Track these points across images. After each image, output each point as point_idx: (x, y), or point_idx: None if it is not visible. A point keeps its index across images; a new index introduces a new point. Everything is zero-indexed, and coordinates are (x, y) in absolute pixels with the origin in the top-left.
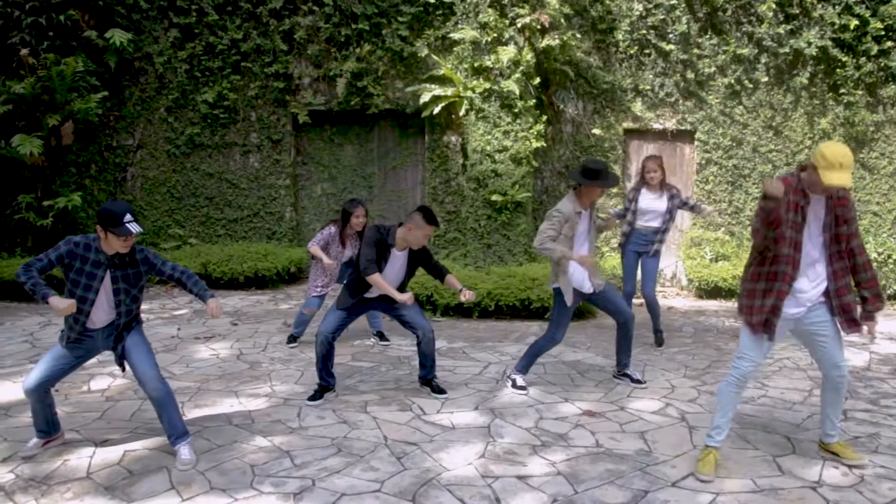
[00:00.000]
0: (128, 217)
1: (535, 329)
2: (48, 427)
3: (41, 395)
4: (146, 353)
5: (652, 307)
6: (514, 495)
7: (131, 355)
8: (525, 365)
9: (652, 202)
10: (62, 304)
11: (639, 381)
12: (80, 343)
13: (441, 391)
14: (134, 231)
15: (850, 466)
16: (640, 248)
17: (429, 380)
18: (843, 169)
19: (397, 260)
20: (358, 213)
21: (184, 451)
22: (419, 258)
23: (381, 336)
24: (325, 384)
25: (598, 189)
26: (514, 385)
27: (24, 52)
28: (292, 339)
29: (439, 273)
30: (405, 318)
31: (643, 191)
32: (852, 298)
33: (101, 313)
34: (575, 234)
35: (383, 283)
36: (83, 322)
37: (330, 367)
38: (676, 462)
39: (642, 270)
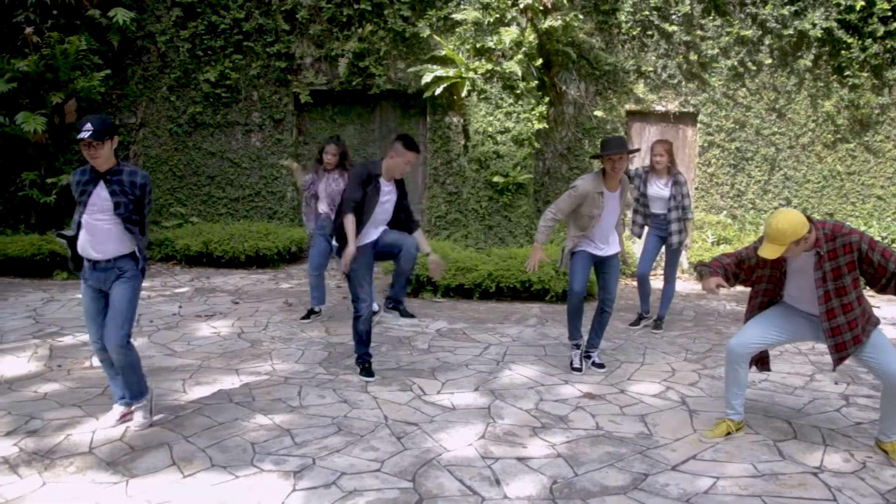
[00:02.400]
0: (86, 126)
1: (535, 311)
2: (139, 388)
3: (103, 354)
4: (122, 305)
5: (642, 287)
6: (513, 476)
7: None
8: (571, 329)
9: (657, 189)
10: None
11: (600, 366)
12: (87, 278)
13: (409, 315)
14: (83, 136)
15: None
16: (661, 232)
17: (398, 301)
18: (769, 240)
19: (387, 190)
20: (328, 151)
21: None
22: (400, 192)
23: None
24: (367, 359)
25: (616, 157)
26: (573, 367)
27: (28, 30)
28: (309, 313)
29: (409, 222)
30: (388, 241)
31: (651, 176)
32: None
33: (101, 241)
34: (601, 215)
35: (351, 227)
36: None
37: (368, 341)
38: (677, 445)
39: (665, 257)
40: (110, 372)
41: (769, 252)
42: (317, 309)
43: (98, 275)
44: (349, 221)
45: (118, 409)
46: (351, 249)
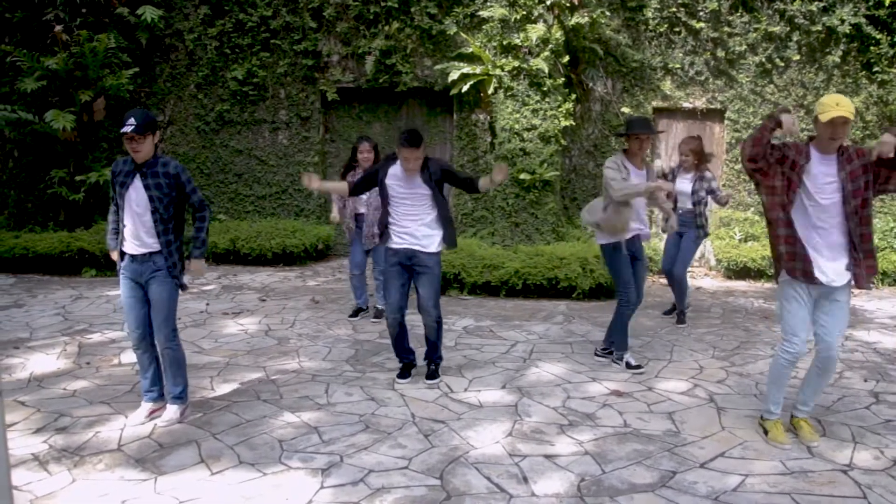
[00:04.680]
0: (130, 120)
1: (562, 308)
2: (182, 387)
3: (137, 346)
4: (161, 305)
5: (679, 286)
6: (541, 474)
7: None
8: (620, 342)
9: (682, 184)
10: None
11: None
12: (125, 270)
13: (432, 377)
14: (126, 130)
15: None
16: (681, 228)
17: (429, 360)
18: (839, 106)
19: (412, 183)
20: (362, 149)
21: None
22: (443, 179)
23: (376, 313)
24: (406, 360)
25: (643, 138)
26: (629, 366)
27: (57, 28)
28: (355, 312)
29: (472, 184)
30: (417, 290)
31: (679, 172)
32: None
33: (137, 234)
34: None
35: (331, 184)
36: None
37: (404, 344)
38: (705, 443)
39: (680, 249)
40: (143, 365)
41: (844, 111)
42: (364, 307)
43: (135, 267)
44: (335, 184)
45: (146, 406)
46: (314, 185)
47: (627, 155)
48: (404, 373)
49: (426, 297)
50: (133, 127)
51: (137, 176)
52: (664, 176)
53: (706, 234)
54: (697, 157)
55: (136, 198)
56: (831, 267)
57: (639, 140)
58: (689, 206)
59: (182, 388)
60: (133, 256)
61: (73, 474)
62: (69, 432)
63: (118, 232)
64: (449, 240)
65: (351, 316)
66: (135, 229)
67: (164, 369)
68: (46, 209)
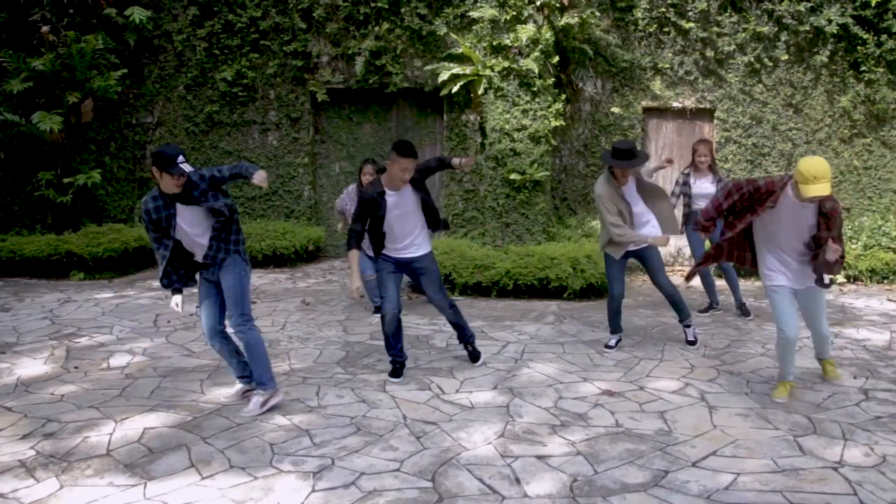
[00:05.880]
0: (180, 158)
1: (553, 308)
2: (260, 372)
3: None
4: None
5: (705, 279)
6: (533, 475)
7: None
8: (612, 326)
9: (703, 186)
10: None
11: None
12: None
13: (474, 357)
14: (186, 171)
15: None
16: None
17: (464, 343)
18: (817, 181)
19: (402, 200)
20: (365, 172)
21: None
22: (423, 177)
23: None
24: (399, 360)
25: (628, 169)
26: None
27: (44, 29)
28: (376, 309)
29: (444, 163)
30: (424, 291)
31: (693, 175)
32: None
33: (195, 246)
34: (629, 208)
35: (354, 262)
36: (187, 260)
37: (395, 344)
38: (696, 442)
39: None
40: (224, 354)
41: (822, 190)
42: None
43: (206, 272)
44: (352, 257)
45: (239, 386)
46: (355, 284)
47: (613, 174)
48: (396, 372)
49: (433, 294)
50: (190, 168)
51: (177, 205)
52: (674, 181)
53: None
54: (713, 156)
55: (188, 219)
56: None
57: (621, 170)
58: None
59: (261, 375)
60: (202, 265)
61: (61, 480)
62: (57, 438)
63: (173, 271)
64: (443, 226)
65: (375, 312)
66: (196, 249)
67: (243, 356)
68: (33, 212)
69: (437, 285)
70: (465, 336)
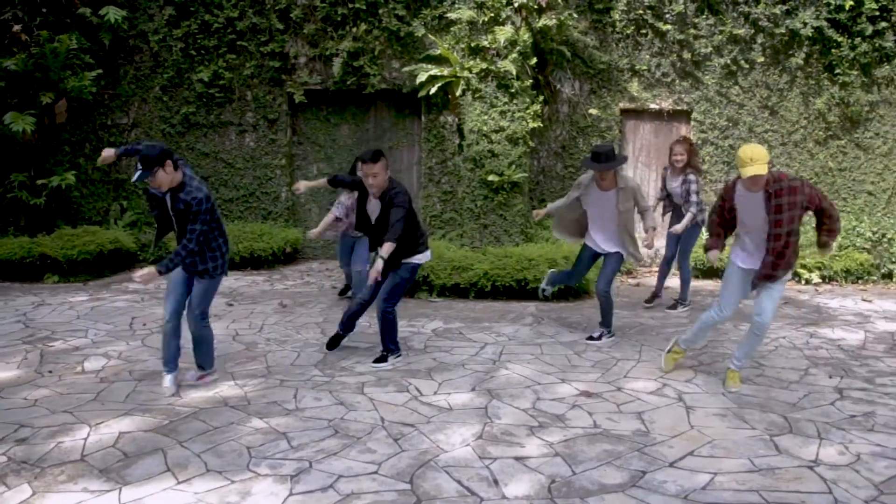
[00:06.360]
0: (138, 166)
1: (531, 309)
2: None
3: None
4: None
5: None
6: (511, 476)
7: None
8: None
9: (673, 185)
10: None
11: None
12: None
13: (379, 360)
14: (133, 178)
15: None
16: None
17: (383, 346)
18: (753, 162)
19: (375, 207)
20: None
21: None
22: (389, 196)
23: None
24: (341, 331)
25: (604, 171)
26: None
27: (16, 28)
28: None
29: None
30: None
31: (670, 173)
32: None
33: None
34: (588, 205)
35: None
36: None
37: (347, 320)
38: (674, 442)
39: (680, 245)
40: (171, 335)
41: (759, 170)
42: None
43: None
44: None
45: (170, 377)
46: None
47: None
48: (332, 343)
49: (379, 296)
50: (135, 178)
51: (167, 198)
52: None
53: (703, 222)
54: (689, 157)
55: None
56: None
57: (599, 172)
58: (680, 204)
59: (203, 362)
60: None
61: (34, 487)
62: (29, 443)
63: None
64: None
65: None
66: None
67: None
68: (6, 214)
69: (387, 293)
70: (385, 342)
